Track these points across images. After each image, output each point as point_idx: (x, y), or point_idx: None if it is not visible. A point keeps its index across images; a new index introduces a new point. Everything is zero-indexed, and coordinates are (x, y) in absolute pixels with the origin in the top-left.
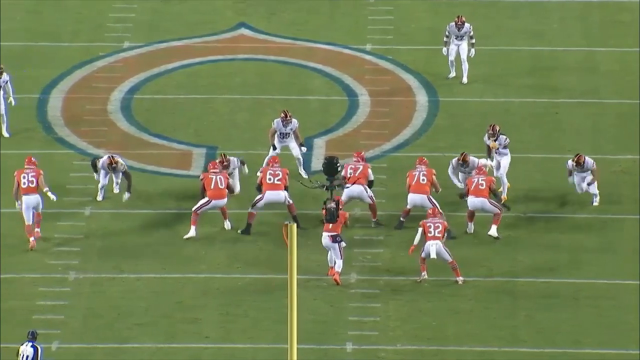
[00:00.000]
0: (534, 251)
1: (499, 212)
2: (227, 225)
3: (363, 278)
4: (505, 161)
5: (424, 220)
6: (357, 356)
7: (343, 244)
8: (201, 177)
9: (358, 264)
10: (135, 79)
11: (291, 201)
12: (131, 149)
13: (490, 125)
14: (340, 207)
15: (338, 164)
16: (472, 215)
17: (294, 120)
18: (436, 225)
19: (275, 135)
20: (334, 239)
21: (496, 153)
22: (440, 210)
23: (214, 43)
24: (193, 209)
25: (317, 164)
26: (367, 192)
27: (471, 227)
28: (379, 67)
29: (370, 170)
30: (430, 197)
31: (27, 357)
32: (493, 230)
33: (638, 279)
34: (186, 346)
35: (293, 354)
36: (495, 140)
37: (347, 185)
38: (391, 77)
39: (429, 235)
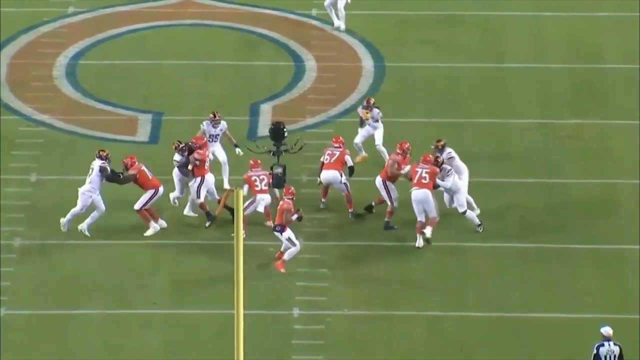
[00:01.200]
0: (482, 217)
1: (436, 216)
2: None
3: (311, 244)
4: (379, 132)
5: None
6: (304, 321)
7: (285, 234)
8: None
9: (306, 230)
10: (80, 45)
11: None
12: (77, 114)
13: (366, 99)
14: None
15: (285, 129)
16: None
17: (223, 122)
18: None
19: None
20: (274, 228)
21: (368, 125)
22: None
23: (160, 8)
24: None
25: (264, 130)
26: (340, 177)
27: (420, 240)
28: (325, 33)
29: (348, 157)
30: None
31: None
32: (428, 231)
33: (587, 243)
34: (135, 312)
35: (240, 320)
36: (368, 113)
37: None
38: (337, 42)
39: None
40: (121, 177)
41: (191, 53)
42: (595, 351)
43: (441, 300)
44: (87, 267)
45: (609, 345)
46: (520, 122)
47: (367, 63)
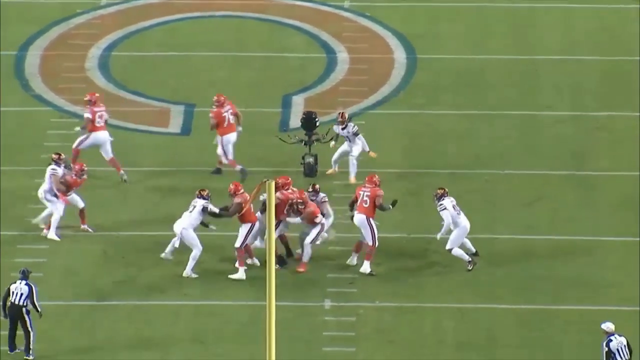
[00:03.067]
0: (513, 210)
1: (372, 246)
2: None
3: (342, 236)
4: (357, 148)
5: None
6: (335, 313)
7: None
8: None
9: (337, 222)
10: (112, 36)
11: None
12: (109, 106)
13: (340, 114)
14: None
15: (316, 119)
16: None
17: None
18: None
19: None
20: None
21: (347, 140)
22: None
23: (191, 0)
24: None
25: (296, 121)
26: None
27: (353, 259)
28: (357, 24)
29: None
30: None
31: (22, 294)
32: (366, 267)
33: (617, 235)
34: (165, 304)
35: (272, 311)
36: (343, 128)
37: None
38: (369, 34)
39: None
40: (226, 211)
41: (222, 44)
42: (606, 348)
43: (470, 292)
44: (118, 258)
45: (616, 338)
46: (551, 114)
47: (399, 55)
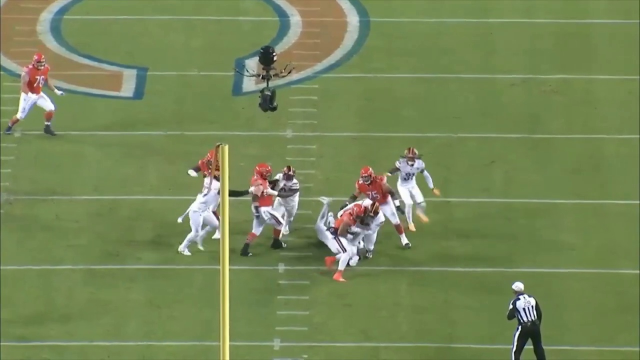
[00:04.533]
0: (468, 173)
1: (398, 224)
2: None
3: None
4: (418, 193)
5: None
6: (289, 277)
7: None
8: None
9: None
10: (64, 0)
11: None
12: (61, 70)
13: (409, 149)
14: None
15: (274, 54)
16: None
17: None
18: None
19: None
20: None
21: (407, 178)
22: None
23: None
24: None
25: (249, 85)
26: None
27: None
28: None
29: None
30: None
31: None
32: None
33: (571, 198)
34: (120, 268)
35: (225, 275)
36: (411, 165)
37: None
38: None
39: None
40: (244, 193)
41: (175, 8)
42: (511, 306)
43: (425, 254)
44: (72, 222)
45: (524, 298)
46: (505, 77)
47: (352, 18)
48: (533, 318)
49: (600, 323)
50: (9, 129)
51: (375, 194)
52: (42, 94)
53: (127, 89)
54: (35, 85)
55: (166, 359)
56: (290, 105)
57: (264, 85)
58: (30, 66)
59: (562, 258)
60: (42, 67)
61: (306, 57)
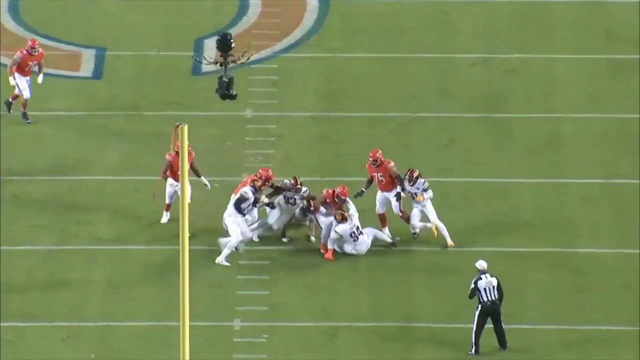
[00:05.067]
0: (427, 152)
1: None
2: None
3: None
4: (429, 205)
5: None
6: (249, 257)
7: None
8: None
9: (249, 166)
10: None
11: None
12: (19, 50)
13: (409, 170)
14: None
15: (231, 40)
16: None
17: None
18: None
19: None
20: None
21: (411, 197)
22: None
23: None
24: None
25: (209, 65)
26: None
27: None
28: None
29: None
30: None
31: None
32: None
33: (531, 177)
34: (79, 248)
35: (185, 255)
36: (412, 185)
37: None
38: None
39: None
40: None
41: None
42: (473, 285)
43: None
44: (30, 203)
45: (486, 277)
46: (465, 56)
47: None
48: (493, 298)
49: (558, 302)
50: (25, 115)
51: (381, 176)
52: (29, 79)
53: (86, 69)
54: (26, 69)
55: (126, 339)
56: (250, 85)
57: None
58: (25, 52)
59: (521, 237)
60: (36, 53)
61: (266, 36)
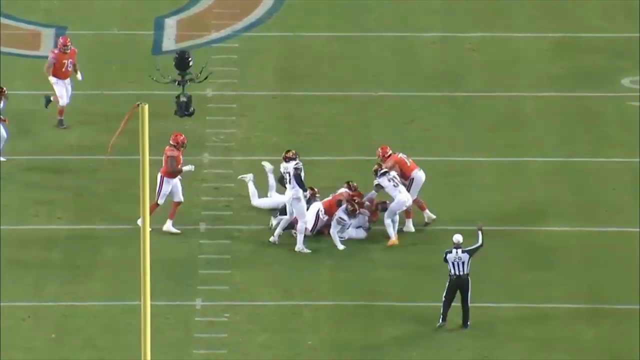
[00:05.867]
0: (388, 131)
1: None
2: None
3: (217, 159)
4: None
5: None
6: (210, 236)
7: None
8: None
9: (210, 145)
10: None
11: None
12: (51, 50)
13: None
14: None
15: (189, 59)
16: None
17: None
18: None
19: None
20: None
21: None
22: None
23: None
24: None
25: (169, 44)
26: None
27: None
28: None
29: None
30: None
31: None
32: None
33: (491, 155)
34: (38, 228)
35: (146, 235)
36: (381, 175)
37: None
38: None
39: None
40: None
41: None
42: (444, 256)
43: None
44: None
45: (457, 252)
46: (425, 35)
47: None
48: (460, 272)
49: (519, 280)
50: (61, 122)
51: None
52: (69, 80)
53: (47, 48)
54: (63, 70)
55: (87, 318)
56: (211, 64)
57: (184, 43)
58: (57, 50)
59: (482, 215)
60: (69, 51)
61: (226, 15)
